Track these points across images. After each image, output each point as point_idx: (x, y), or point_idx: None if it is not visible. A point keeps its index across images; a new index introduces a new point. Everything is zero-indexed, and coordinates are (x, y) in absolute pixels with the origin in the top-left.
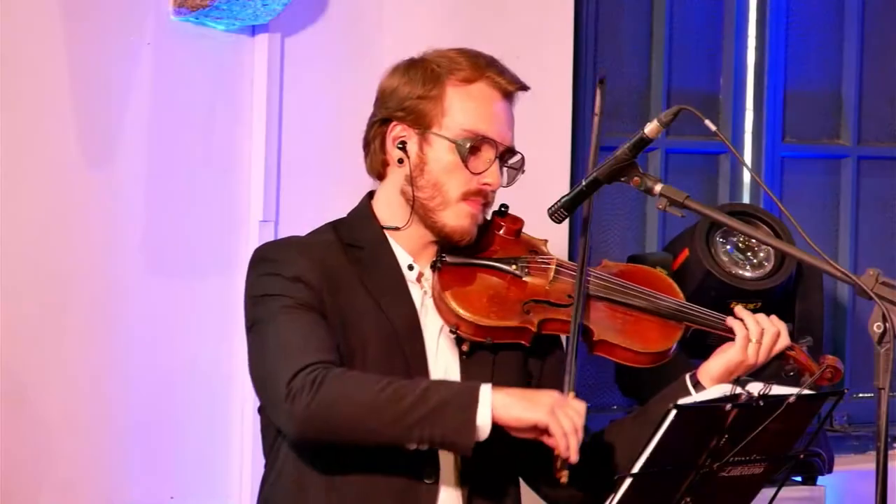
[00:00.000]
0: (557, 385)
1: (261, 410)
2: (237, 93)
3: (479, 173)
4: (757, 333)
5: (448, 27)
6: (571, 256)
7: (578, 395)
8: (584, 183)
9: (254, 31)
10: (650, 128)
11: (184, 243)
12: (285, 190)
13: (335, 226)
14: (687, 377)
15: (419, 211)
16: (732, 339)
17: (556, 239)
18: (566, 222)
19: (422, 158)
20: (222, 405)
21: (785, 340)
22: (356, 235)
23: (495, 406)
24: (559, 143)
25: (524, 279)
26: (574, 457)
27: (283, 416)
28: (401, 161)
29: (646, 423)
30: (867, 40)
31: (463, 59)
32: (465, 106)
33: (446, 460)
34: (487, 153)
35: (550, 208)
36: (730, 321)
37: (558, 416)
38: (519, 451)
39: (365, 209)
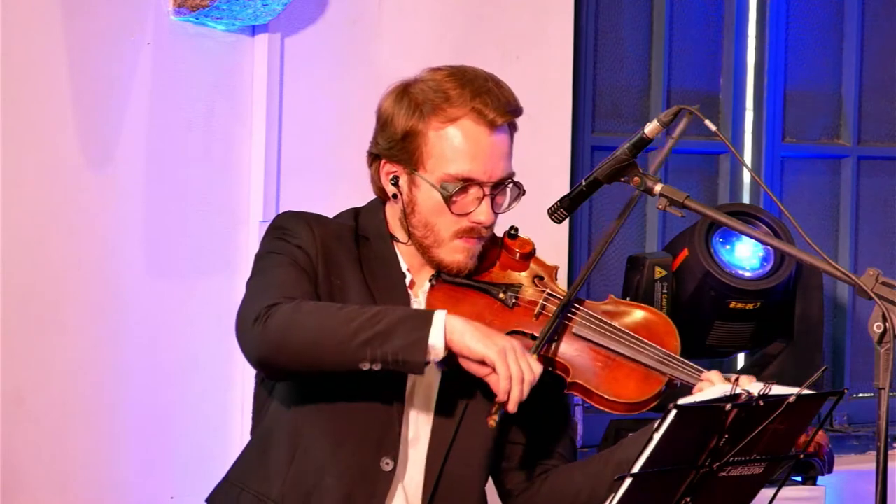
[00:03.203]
0: (552, 417)
1: (257, 386)
2: (237, 93)
3: (468, 214)
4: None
5: (448, 27)
6: (571, 256)
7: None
8: (584, 183)
9: (254, 31)
10: (650, 128)
11: (184, 243)
12: (285, 190)
13: (357, 213)
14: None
15: (416, 244)
16: None
17: (556, 239)
18: (566, 222)
19: (411, 198)
20: (222, 405)
21: None
22: (367, 226)
23: (449, 329)
24: (559, 144)
25: (511, 308)
26: (512, 406)
27: (245, 342)
28: (395, 196)
29: (609, 462)
30: (867, 40)
31: (452, 88)
32: (448, 148)
33: (409, 447)
34: (475, 193)
35: (550, 208)
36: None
37: (509, 359)
38: (493, 452)
39: (378, 206)
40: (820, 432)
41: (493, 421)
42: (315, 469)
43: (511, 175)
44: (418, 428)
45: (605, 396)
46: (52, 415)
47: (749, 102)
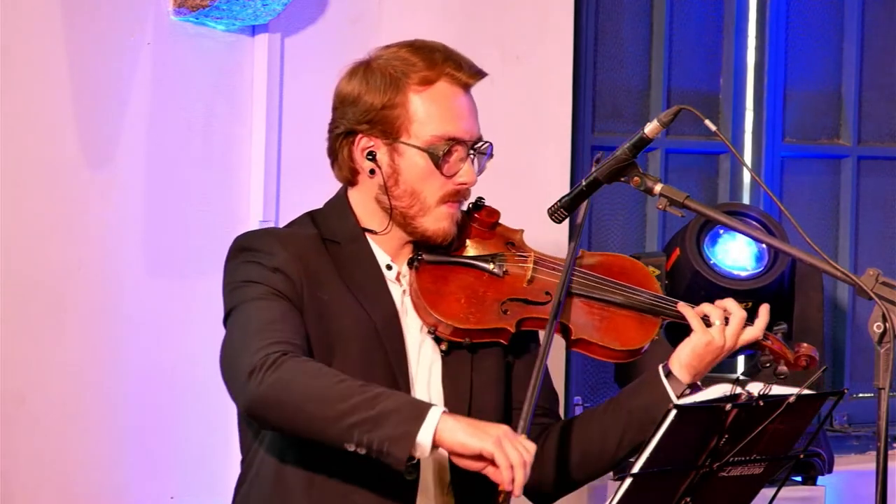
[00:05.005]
0: (529, 375)
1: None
2: (237, 93)
3: (454, 175)
4: (718, 315)
5: (447, 27)
6: None
7: (578, 395)
8: (584, 183)
9: (254, 31)
10: (650, 128)
11: (184, 243)
12: (285, 190)
13: (313, 217)
14: (660, 367)
15: (397, 218)
16: None
17: (555, 239)
18: (566, 222)
19: (394, 168)
20: (222, 405)
21: (755, 331)
22: (334, 230)
23: (441, 428)
24: (559, 143)
25: (502, 277)
26: (518, 491)
27: (238, 391)
28: (372, 172)
29: (617, 412)
30: (867, 40)
31: (418, 58)
32: (431, 110)
33: (428, 457)
34: (459, 153)
35: (550, 208)
36: (696, 308)
37: (505, 447)
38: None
39: (341, 203)
40: (806, 345)
41: None
42: (339, 490)
43: (481, 136)
44: None
45: (608, 346)
46: (52, 415)
47: (749, 102)
